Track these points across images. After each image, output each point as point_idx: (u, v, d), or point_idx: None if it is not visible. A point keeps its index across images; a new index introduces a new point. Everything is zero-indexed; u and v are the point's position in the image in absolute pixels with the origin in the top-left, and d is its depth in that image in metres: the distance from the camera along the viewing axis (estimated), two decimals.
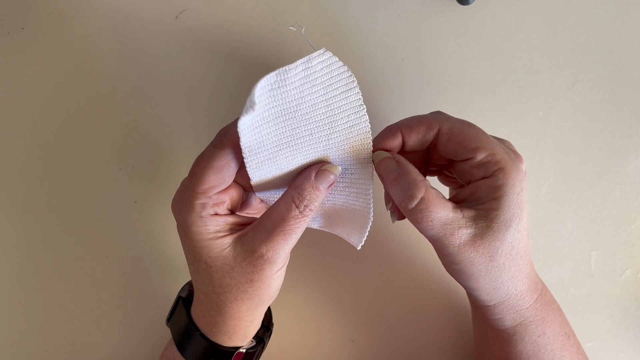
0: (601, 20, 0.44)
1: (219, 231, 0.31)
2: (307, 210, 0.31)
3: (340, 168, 0.33)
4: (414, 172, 0.31)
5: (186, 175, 0.33)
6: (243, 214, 0.37)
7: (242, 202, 0.35)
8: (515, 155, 0.32)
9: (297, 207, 0.31)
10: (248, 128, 0.31)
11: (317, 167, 0.32)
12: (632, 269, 0.43)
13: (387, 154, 0.32)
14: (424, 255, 0.43)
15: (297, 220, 0.31)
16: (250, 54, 0.44)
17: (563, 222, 0.43)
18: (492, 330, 0.35)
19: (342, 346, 0.43)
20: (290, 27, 0.34)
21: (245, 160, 0.31)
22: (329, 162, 0.33)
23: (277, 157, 0.32)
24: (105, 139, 0.44)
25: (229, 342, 0.34)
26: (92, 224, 0.44)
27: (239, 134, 0.30)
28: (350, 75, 0.31)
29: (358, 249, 0.34)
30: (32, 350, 0.43)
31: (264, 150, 0.31)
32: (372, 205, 0.33)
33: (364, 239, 0.34)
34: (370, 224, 0.33)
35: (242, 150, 0.31)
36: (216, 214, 0.32)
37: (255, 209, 0.38)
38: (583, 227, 0.43)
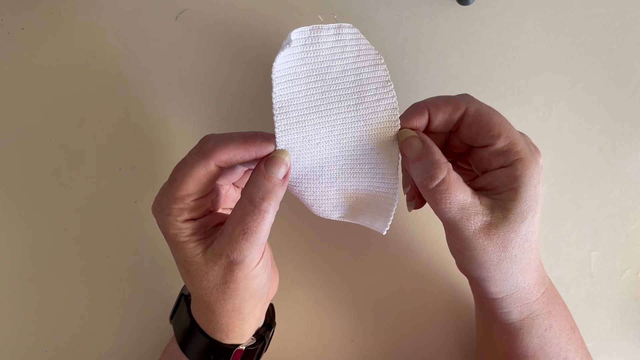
0: (601, 20, 0.44)
1: (193, 234, 0.31)
2: (265, 204, 0.30)
3: (289, 154, 0.32)
4: (438, 152, 0.31)
5: None
6: (227, 205, 0.36)
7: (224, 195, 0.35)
8: (534, 149, 0.32)
9: (252, 202, 0.30)
10: (281, 78, 0.31)
11: (266, 157, 0.31)
12: (632, 269, 0.43)
13: (412, 132, 0.32)
14: (425, 255, 0.43)
15: (254, 217, 0.30)
16: (250, 54, 0.44)
17: (563, 222, 0.43)
18: (498, 325, 0.35)
19: (342, 346, 0.43)
20: (319, 16, 0.34)
21: (274, 119, 0.31)
22: (279, 149, 0.31)
23: (306, 122, 0.32)
24: (105, 139, 0.44)
25: (227, 339, 0.34)
26: (92, 224, 0.44)
27: (273, 81, 0.31)
28: (378, 53, 0.32)
29: (383, 234, 0.33)
30: (32, 350, 0.43)
31: (294, 110, 0.31)
32: (398, 186, 0.32)
33: (389, 223, 0.33)
34: (395, 206, 0.32)
35: (273, 107, 0.31)
36: (192, 219, 0.31)
37: (236, 200, 0.37)
38: (583, 227, 0.43)
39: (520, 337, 0.34)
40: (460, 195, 0.30)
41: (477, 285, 0.34)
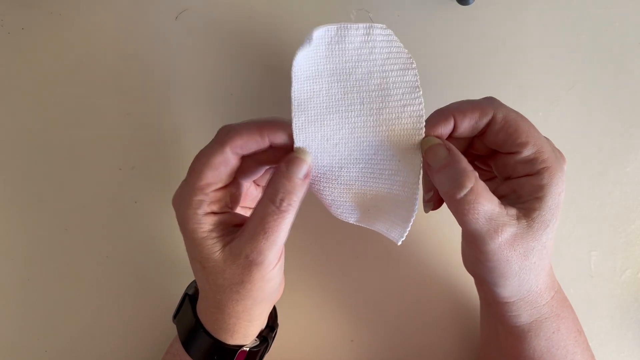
0: (601, 20, 0.44)
1: (212, 230, 0.31)
2: (285, 204, 0.30)
3: (310, 154, 0.31)
4: (465, 161, 0.30)
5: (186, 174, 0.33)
6: (246, 204, 0.37)
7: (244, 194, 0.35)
8: (560, 155, 0.32)
9: (273, 202, 0.30)
10: (302, 75, 0.30)
11: (287, 157, 0.31)
12: (632, 269, 0.43)
13: (437, 140, 0.31)
14: (425, 254, 0.43)
15: (275, 217, 0.30)
16: (250, 54, 0.44)
17: (563, 222, 0.43)
18: (505, 327, 0.35)
19: (342, 346, 0.43)
20: (352, 12, 0.34)
21: (292, 116, 0.31)
22: (300, 149, 0.31)
23: (324, 121, 0.31)
24: (105, 139, 0.44)
25: (231, 340, 0.34)
26: (92, 224, 0.44)
27: (292, 78, 0.30)
28: (410, 57, 0.31)
29: (398, 244, 0.33)
30: (32, 350, 0.43)
31: (313, 108, 0.31)
32: (418, 196, 0.31)
33: (406, 233, 0.32)
34: (414, 217, 0.31)
35: (292, 103, 0.30)
36: (212, 212, 0.31)
37: (257, 199, 0.37)
38: (583, 227, 0.43)
39: (527, 340, 0.34)
40: (488, 205, 0.29)
41: (487, 287, 0.33)
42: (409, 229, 0.32)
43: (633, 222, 0.43)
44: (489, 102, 0.32)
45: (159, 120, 0.44)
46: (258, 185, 0.37)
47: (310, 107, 0.31)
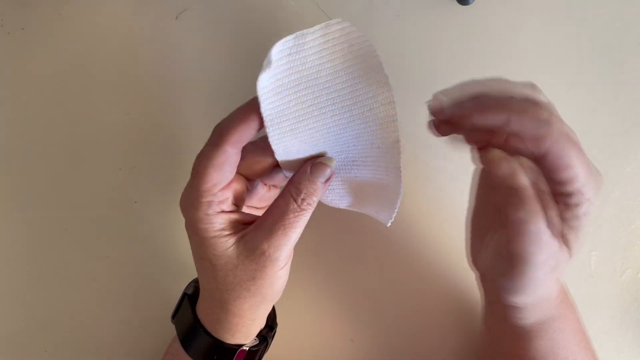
0: (601, 20, 0.44)
1: (223, 229, 0.32)
2: (305, 204, 0.31)
3: (335, 161, 0.33)
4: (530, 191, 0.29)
5: (186, 174, 0.33)
6: (252, 204, 0.37)
7: (250, 192, 0.36)
8: (598, 175, 0.29)
9: (295, 201, 0.31)
10: (268, 93, 0.30)
11: (312, 162, 0.32)
12: (632, 269, 0.43)
13: (501, 154, 0.30)
14: (425, 254, 0.43)
15: (296, 215, 0.31)
16: (250, 53, 0.44)
17: None
18: (509, 327, 0.35)
19: (342, 346, 0.43)
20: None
21: (267, 131, 0.31)
22: (325, 156, 0.33)
23: (299, 128, 0.31)
24: (105, 139, 0.44)
25: (231, 339, 0.34)
26: (92, 224, 0.44)
27: (259, 98, 0.30)
28: (371, 45, 0.31)
29: (388, 225, 0.33)
30: (32, 349, 0.43)
31: (286, 120, 0.31)
32: (402, 179, 0.32)
33: (394, 215, 0.33)
34: (400, 199, 0.32)
35: (264, 120, 0.30)
36: (222, 212, 0.32)
37: (264, 198, 0.38)
38: None
39: (531, 340, 0.34)
40: (553, 244, 0.29)
41: (493, 288, 0.33)
42: (396, 210, 0.33)
43: (633, 222, 0.43)
44: (547, 119, 0.28)
45: (159, 120, 0.44)
46: (265, 184, 0.37)
47: (283, 120, 0.31)
